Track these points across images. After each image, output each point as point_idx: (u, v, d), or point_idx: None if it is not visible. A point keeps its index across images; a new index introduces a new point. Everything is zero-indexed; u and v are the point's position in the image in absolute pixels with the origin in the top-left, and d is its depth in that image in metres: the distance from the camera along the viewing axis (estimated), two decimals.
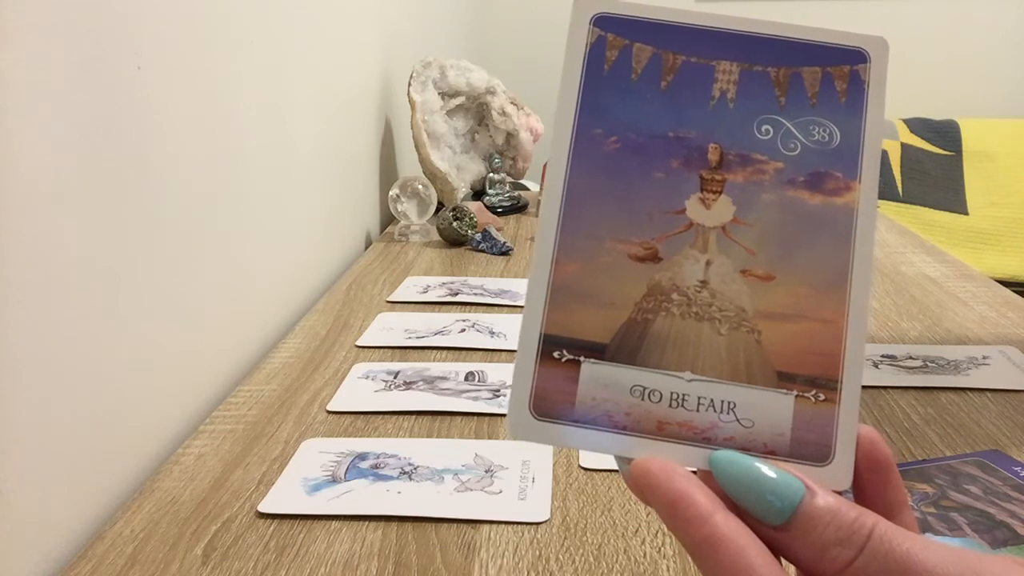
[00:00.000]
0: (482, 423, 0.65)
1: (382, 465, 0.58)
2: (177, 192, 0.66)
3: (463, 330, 0.85)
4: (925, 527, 0.50)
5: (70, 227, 0.52)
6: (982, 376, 0.73)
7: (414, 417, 0.66)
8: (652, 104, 0.28)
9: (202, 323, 0.71)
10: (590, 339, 0.27)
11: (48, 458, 0.51)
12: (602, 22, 0.29)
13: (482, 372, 0.74)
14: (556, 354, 0.27)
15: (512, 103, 1.44)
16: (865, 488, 0.26)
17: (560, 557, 0.48)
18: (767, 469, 0.24)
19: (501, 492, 0.55)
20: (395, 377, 0.73)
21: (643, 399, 0.26)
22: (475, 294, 0.97)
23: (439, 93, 1.35)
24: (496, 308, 0.93)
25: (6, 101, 0.46)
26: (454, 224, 1.19)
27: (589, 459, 0.58)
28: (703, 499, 0.23)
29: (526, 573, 0.47)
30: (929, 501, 0.53)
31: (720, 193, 0.28)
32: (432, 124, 1.32)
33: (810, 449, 0.26)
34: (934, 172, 2.47)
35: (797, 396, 0.26)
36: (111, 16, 0.56)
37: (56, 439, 0.51)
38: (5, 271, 0.46)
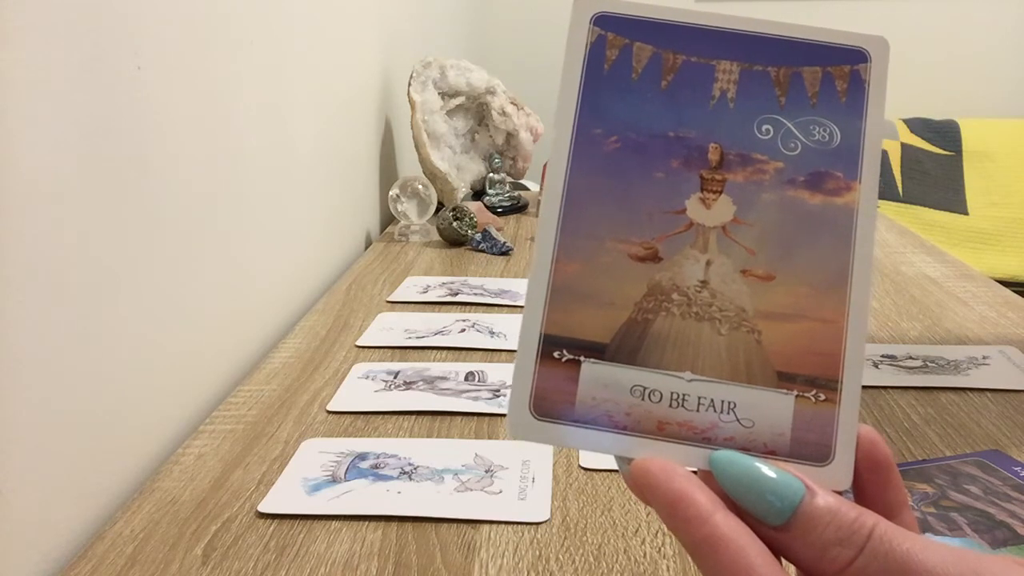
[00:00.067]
0: (482, 423, 0.65)
1: (382, 465, 0.58)
2: (177, 192, 0.66)
3: (463, 330, 0.85)
4: (925, 527, 0.50)
5: (70, 227, 0.52)
6: (982, 376, 0.73)
7: (414, 417, 0.66)
8: (652, 104, 0.28)
9: (202, 323, 0.71)
10: (590, 339, 0.27)
11: (48, 458, 0.51)
12: (602, 21, 0.29)
13: (482, 372, 0.74)
14: (556, 354, 0.27)
15: (512, 103, 1.44)
16: (865, 488, 0.26)
17: (560, 557, 0.48)
18: (767, 469, 0.24)
19: (501, 492, 0.55)
20: (395, 377, 0.73)
21: (643, 399, 0.26)
22: (475, 294, 0.97)
23: (439, 93, 1.35)
24: (496, 308, 0.93)
25: (6, 101, 0.46)
26: (454, 224, 1.19)
27: (589, 459, 0.58)
28: (703, 499, 0.23)
29: (526, 573, 0.47)
30: (929, 501, 0.53)
31: (720, 193, 0.28)
32: (432, 124, 1.32)
33: (810, 449, 0.26)
34: (934, 172, 2.47)
35: (797, 396, 0.26)
36: (111, 16, 0.56)
37: (56, 439, 0.51)
38: (5, 271, 0.46)
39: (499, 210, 1.40)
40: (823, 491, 0.24)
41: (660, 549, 0.49)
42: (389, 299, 0.95)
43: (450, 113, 1.38)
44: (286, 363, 0.77)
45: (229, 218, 0.77)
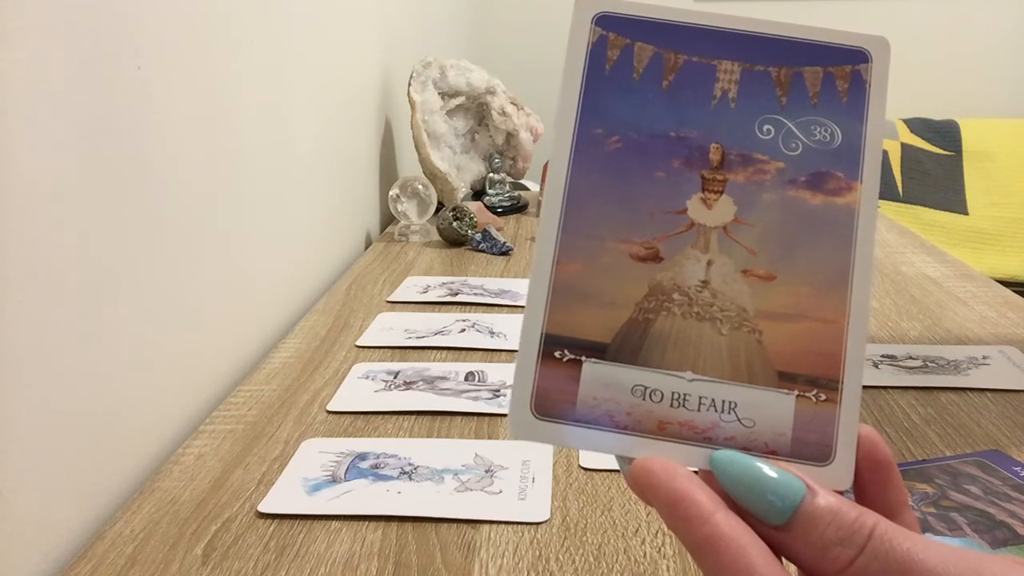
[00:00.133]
0: (482, 423, 0.65)
1: (382, 465, 0.58)
2: (177, 192, 0.66)
3: (463, 330, 0.85)
4: (925, 527, 0.50)
5: (70, 227, 0.52)
6: (982, 376, 0.73)
7: (414, 417, 0.66)
8: (653, 104, 0.28)
9: (202, 323, 0.71)
10: (591, 339, 0.27)
11: (48, 458, 0.51)
12: (604, 21, 0.29)
13: (482, 372, 0.74)
14: (557, 354, 0.27)
15: (512, 103, 1.44)
16: (866, 488, 0.26)
17: (560, 557, 0.48)
18: (768, 469, 0.24)
19: (501, 492, 0.55)
20: (395, 377, 0.73)
21: (644, 399, 0.26)
22: (475, 294, 0.97)
23: (439, 93, 1.35)
24: (496, 308, 0.93)
25: (6, 101, 0.46)
26: (454, 224, 1.19)
27: (589, 459, 0.58)
28: (704, 499, 0.23)
29: (526, 573, 0.47)
30: (929, 501, 0.53)
31: (721, 193, 0.28)
32: (432, 124, 1.32)
33: (811, 449, 0.26)
34: (934, 172, 2.47)
35: (798, 396, 0.26)
36: (111, 16, 0.56)
37: (56, 439, 0.51)
38: (5, 271, 0.46)
39: (499, 210, 1.40)
40: (824, 491, 0.24)
41: (660, 549, 0.49)
42: (389, 299, 0.95)
43: (450, 113, 1.38)
44: (286, 363, 0.77)
45: (229, 218, 0.77)
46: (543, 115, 1.49)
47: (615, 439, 0.26)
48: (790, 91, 0.28)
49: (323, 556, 0.49)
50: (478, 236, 1.19)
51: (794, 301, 0.27)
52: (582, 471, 0.57)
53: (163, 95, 0.63)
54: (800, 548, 0.23)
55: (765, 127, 0.28)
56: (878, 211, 0.28)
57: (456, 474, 0.57)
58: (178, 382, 0.67)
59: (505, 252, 1.16)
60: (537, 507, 0.53)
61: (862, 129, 0.28)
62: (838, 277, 0.27)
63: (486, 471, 0.57)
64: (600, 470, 0.57)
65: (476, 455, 0.59)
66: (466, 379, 0.72)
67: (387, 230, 1.32)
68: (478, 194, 1.47)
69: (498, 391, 0.70)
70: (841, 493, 0.24)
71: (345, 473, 0.57)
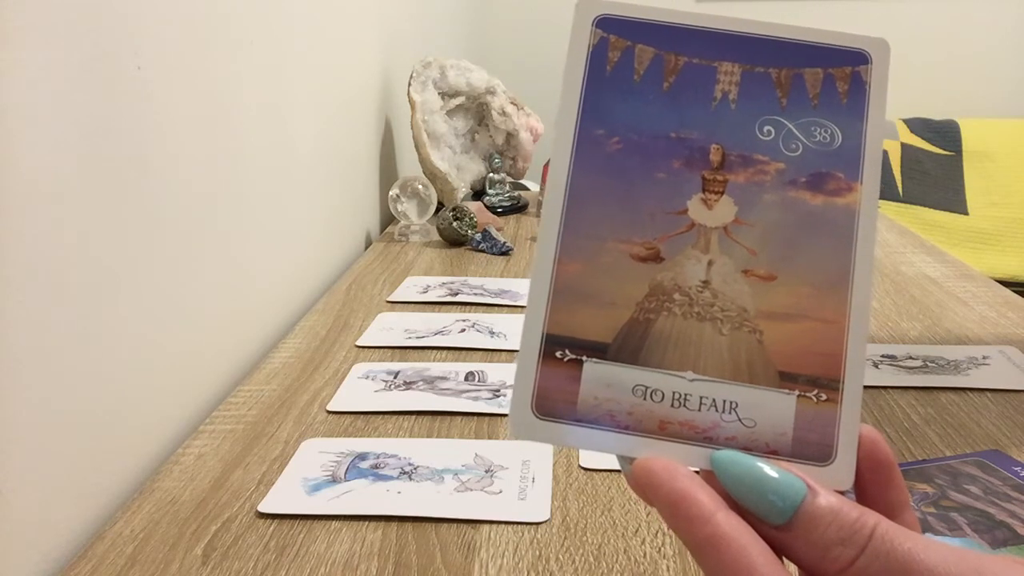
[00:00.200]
0: (482, 423, 0.65)
1: (382, 465, 0.58)
2: (177, 192, 0.66)
3: (463, 330, 0.85)
4: (925, 527, 0.50)
5: (70, 227, 0.52)
6: (982, 376, 0.73)
7: (414, 417, 0.66)
8: (654, 105, 0.28)
9: (202, 323, 0.71)
10: (592, 339, 0.27)
11: (48, 458, 0.51)
12: (604, 24, 0.29)
13: (482, 372, 0.74)
14: (558, 354, 0.27)
15: (512, 103, 1.44)
16: (867, 488, 0.26)
17: (560, 557, 0.48)
18: (769, 469, 0.24)
19: (501, 492, 0.55)
20: (395, 377, 0.73)
21: (645, 399, 0.26)
22: (475, 294, 0.97)
23: (439, 93, 1.35)
24: (496, 308, 0.93)
25: (6, 101, 0.46)
26: (454, 224, 1.19)
27: (589, 459, 0.58)
28: (705, 499, 0.23)
29: (526, 573, 0.47)
30: (929, 501, 0.53)
31: (722, 194, 0.28)
32: (432, 124, 1.32)
33: (812, 449, 0.26)
34: (934, 172, 2.47)
35: (799, 396, 0.26)
36: (111, 16, 0.56)
37: (56, 439, 0.51)
38: (5, 271, 0.46)
39: (499, 210, 1.40)
40: (825, 491, 0.24)
41: (660, 549, 0.49)
42: (389, 299, 0.95)
43: (450, 113, 1.38)
44: (286, 363, 0.77)
45: (229, 218, 0.77)
46: (543, 115, 1.50)
47: (616, 439, 0.26)
48: (790, 92, 0.28)
49: (323, 556, 0.49)
50: (478, 236, 1.19)
51: (795, 301, 0.27)
52: (582, 471, 0.57)
53: (163, 95, 0.63)
54: (801, 548, 0.24)
55: (765, 128, 0.28)
56: (878, 211, 0.28)
57: (456, 474, 0.57)
58: (178, 382, 0.67)
59: (505, 252, 1.16)
60: (537, 507, 0.53)
61: (862, 130, 0.28)
62: (839, 277, 0.27)
63: (486, 471, 0.57)
64: (600, 470, 0.57)
65: (476, 455, 0.59)
66: (466, 379, 0.73)
67: (387, 230, 1.32)
68: (478, 194, 1.47)
69: (498, 391, 0.70)
70: (842, 493, 0.24)
71: (345, 473, 0.57)
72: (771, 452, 0.26)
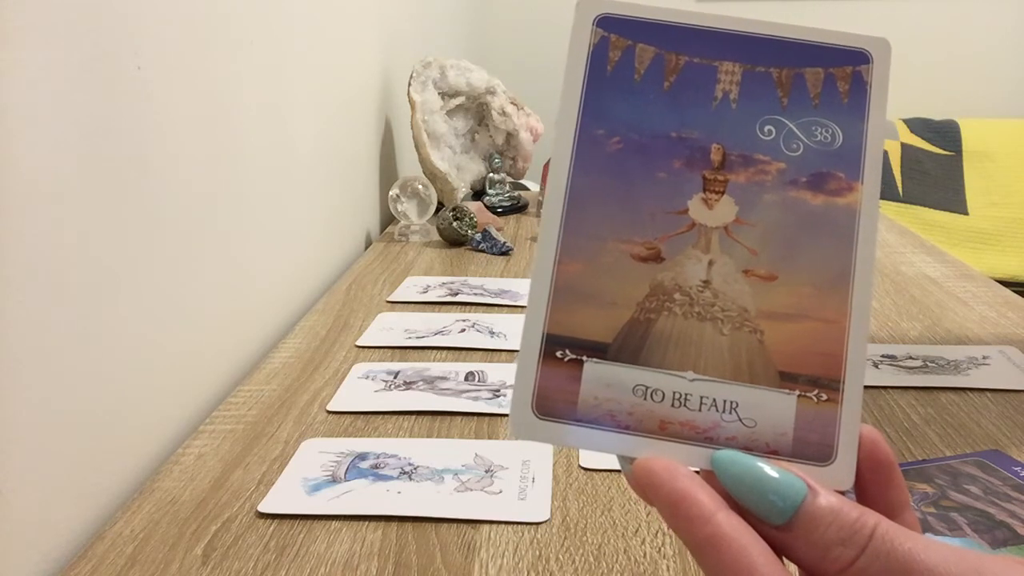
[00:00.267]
0: (482, 423, 0.65)
1: (382, 465, 0.58)
2: (177, 192, 0.66)
3: (463, 330, 0.85)
4: (925, 527, 0.50)
5: (70, 227, 0.52)
6: (982, 376, 0.73)
7: (414, 417, 0.66)
8: (655, 104, 0.28)
9: (202, 323, 0.71)
10: (593, 339, 0.27)
11: (48, 458, 0.51)
12: (605, 23, 0.29)
13: (482, 372, 0.74)
14: (559, 354, 0.27)
15: (512, 103, 1.44)
16: (867, 488, 0.26)
17: (560, 557, 0.48)
18: (769, 469, 0.24)
19: (501, 492, 0.55)
20: (395, 377, 0.73)
21: (645, 399, 0.26)
22: (475, 294, 0.97)
23: (439, 93, 1.35)
24: (496, 308, 0.92)
25: (6, 101, 0.46)
26: (454, 224, 1.19)
27: (589, 459, 0.58)
28: (706, 499, 0.23)
29: (526, 573, 0.47)
30: (929, 501, 0.53)
31: (723, 193, 0.28)
32: (432, 124, 1.32)
33: (812, 449, 0.26)
34: (934, 172, 2.47)
35: (799, 396, 0.26)
36: (111, 16, 0.56)
37: (56, 439, 0.51)
38: (5, 271, 0.46)
39: (499, 210, 1.40)
40: (825, 491, 0.24)
41: (660, 549, 0.49)
42: (389, 299, 0.95)
43: (450, 113, 1.38)
44: (286, 363, 0.77)
45: (229, 218, 0.77)
46: (543, 115, 1.50)
47: (616, 439, 0.26)
48: (791, 92, 0.28)
49: (323, 556, 0.49)
50: (478, 236, 1.19)
51: (795, 301, 0.27)
52: (582, 471, 0.57)
53: (163, 95, 0.63)
54: (801, 548, 0.24)
55: (766, 128, 0.28)
56: (879, 211, 0.28)
57: (456, 474, 0.57)
58: (178, 382, 0.67)
59: (505, 252, 1.16)
60: (537, 507, 0.53)
61: (863, 130, 0.28)
62: (839, 277, 0.27)
63: (486, 471, 0.57)
64: (600, 470, 0.57)
65: (476, 455, 0.59)
66: (466, 379, 0.72)
67: (387, 230, 1.32)
68: (478, 194, 1.47)
69: (498, 391, 0.70)
70: (842, 493, 0.24)
71: (345, 473, 0.57)
72: (771, 452, 0.26)
